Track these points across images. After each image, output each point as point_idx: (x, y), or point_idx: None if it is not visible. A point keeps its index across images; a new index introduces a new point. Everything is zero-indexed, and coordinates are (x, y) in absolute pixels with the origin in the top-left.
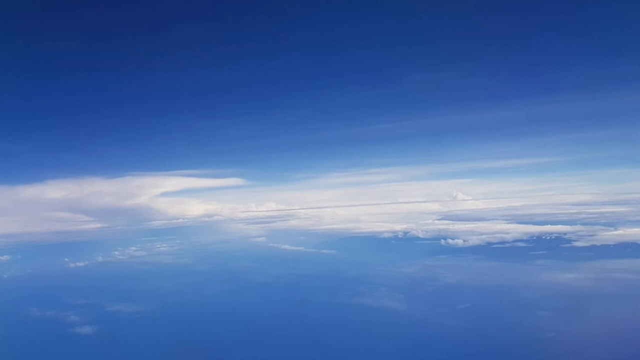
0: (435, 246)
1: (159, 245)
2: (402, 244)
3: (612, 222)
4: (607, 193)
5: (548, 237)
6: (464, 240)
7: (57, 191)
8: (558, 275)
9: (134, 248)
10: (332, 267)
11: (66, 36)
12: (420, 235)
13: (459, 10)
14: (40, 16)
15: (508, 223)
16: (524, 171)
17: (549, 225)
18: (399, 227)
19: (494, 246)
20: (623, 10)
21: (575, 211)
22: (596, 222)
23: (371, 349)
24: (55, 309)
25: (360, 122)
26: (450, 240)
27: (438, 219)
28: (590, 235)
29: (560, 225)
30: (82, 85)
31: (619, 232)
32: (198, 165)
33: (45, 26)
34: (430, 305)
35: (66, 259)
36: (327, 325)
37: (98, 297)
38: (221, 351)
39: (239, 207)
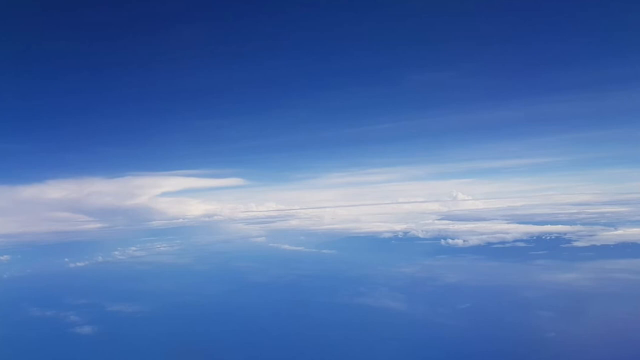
0: (435, 246)
1: (159, 245)
2: (402, 244)
3: (612, 222)
4: (607, 193)
5: (548, 237)
6: (464, 240)
7: (57, 191)
8: (558, 275)
9: (134, 248)
10: (332, 267)
11: (66, 36)
12: (420, 235)
13: (459, 10)
14: (40, 16)
15: (508, 223)
16: (524, 171)
17: (549, 225)
18: (399, 227)
19: (494, 246)
20: (623, 10)
21: (575, 211)
22: (596, 222)
23: (371, 349)
24: (55, 309)
25: (360, 122)
26: (450, 240)
27: (438, 219)
28: (590, 235)
29: (560, 225)
30: (82, 85)
31: (619, 232)
32: (198, 165)
33: (45, 26)
34: (430, 305)
35: (66, 259)
36: (327, 325)
37: (98, 297)
38: (221, 351)
39: (239, 207)
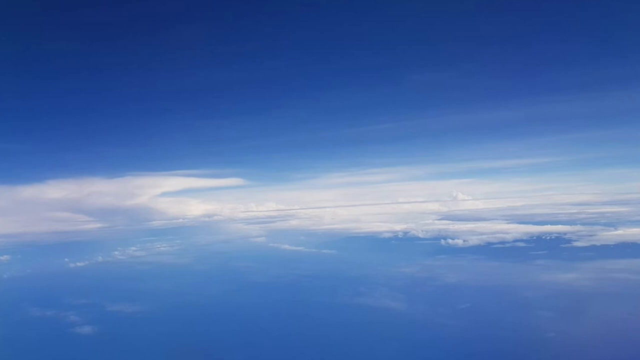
0: (435, 246)
1: (159, 245)
2: (402, 244)
3: (612, 222)
4: (607, 193)
5: (548, 237)
6: (464, 240)
7: (57, 191)
8: (558, 275)
9: (134, 248)
10: (332, 267)
11: (66, 36)
12: (420, 235)
13: (459, 10)
14: (40, 16)
15: (508, 223)
16: (524, 171)
17: (549, 225)
18: (399, 227)
19: (494, 246)
20: (623, 10)
21: (575, 211)
22: (596, 222)
23: (371, 349)
24: (55, 309)
25: (360, 122)
26: (450, 240)
27: (438, 219)
28: (590, 235)
29: (560, 225)
30: (82, 85)
31: (619, 232)
32: (198, 165)
33: (45, 26)
34: (430, 305)
35: (66, 259)
36: (327, 325)
37: (98, 297)
38: (221, 351)
39: (239, 207)
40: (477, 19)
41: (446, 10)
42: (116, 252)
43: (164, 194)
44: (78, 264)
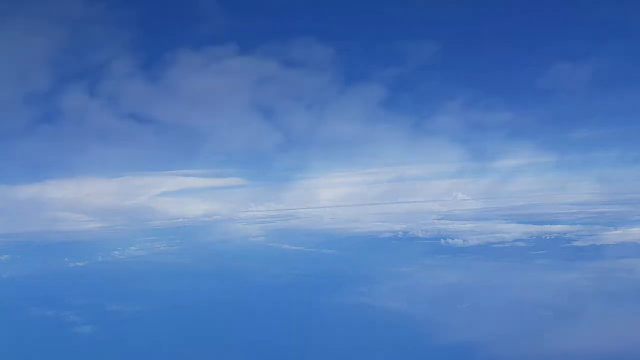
0: (435, 246)
1: (159, 245)
2: (402, 244)
3: (612, 222)
4: (607, 193)
5: (548, 237)
6: (464, 240)
7: (57, 191)
8: (558, 275)
9: (134, 248)
10: (332, 267)
11: None
12: (420, 235)
13: (459, 10)
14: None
15: (508, 223)
16: (524, 171)
17: (549, 225)
18: (399, 227)
19: (494, 246)
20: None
21: (575, 211)
22: (596, 222)
23: (371, 349)
24: (55, 309)
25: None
26: (450, 240)
27: (438, 219)
28: (590, 235)
29: (560, 225)
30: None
31: (619, 232)
32: (198, 165)
33: None
34: (430, 305)
35: (66, 259)
36: (327, 325)
37: (98, 297)
38: (221, 351)
39: (239, 207)
40: (477, 18)
41: (446, 10)
42: (116, 252)
43: (164, 194)
44: (78, 264)
